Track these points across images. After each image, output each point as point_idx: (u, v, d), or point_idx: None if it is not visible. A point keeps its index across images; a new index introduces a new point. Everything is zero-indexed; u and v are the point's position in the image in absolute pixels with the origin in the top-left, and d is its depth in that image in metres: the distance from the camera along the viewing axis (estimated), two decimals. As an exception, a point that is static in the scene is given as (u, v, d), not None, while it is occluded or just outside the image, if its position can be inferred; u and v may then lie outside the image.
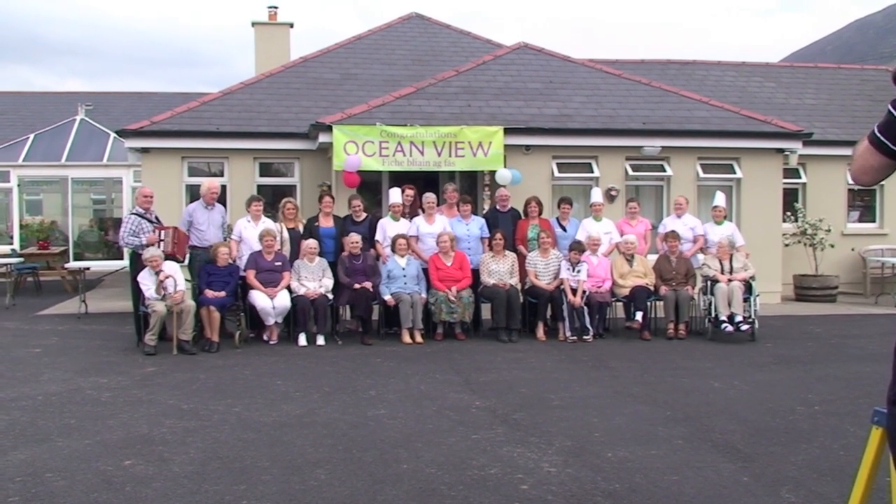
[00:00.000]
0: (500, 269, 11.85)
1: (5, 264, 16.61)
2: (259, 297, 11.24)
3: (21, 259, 17.65)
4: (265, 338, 11.46)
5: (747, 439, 6.63)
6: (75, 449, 6.35)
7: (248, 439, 6.59)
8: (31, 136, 22.10)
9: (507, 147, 14.40)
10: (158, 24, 76.47)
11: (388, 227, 12.13)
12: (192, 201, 13.06)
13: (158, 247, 11.04)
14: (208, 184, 12.05)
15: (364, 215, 12.32)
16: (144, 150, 15.36)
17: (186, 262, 11.77)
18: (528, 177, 14.47)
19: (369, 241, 12.03)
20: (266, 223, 11.98)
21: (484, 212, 13.63)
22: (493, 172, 14.32)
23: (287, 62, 19.15)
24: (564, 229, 12.62)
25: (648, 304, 12.00)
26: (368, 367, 9.70)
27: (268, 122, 15.76)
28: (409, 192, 12.67)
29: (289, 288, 11.47)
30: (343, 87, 17.50)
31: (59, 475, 5.69)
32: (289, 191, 15.53)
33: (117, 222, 18.19)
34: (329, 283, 11.63)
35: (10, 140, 22.69)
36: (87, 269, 15.30)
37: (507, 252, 12.02)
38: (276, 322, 11.38)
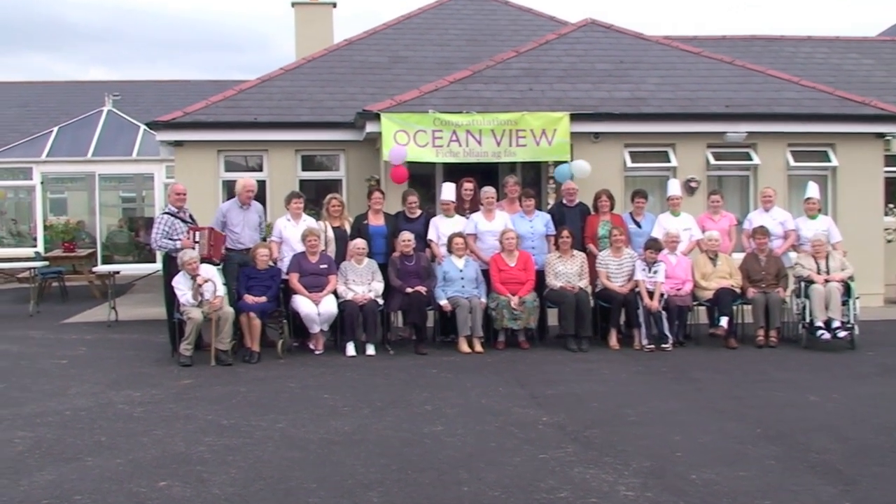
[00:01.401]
0: (567, 271, 11.79)
1: (29, 268, 16.83)
2: (303, 303, 11.28)
3: (45, 263, 17.95)
4: (310, 347, 11.50)
5: (849, 459, 6.51)
6: (106, 469, 6.41)
7: (293, 458, 6.62)
8: (55, 129, 22.64)
9: (573, 135, 14.31)
10: (190, 6, 77.40)
11: (440, 225, 12.14)
12: (229, 198, 13.21)
13: (193, 249, 11.12)
14: (244, 182, 12.11)
15: (419, 212, 12.37)
16: (177, 144, 15.50)
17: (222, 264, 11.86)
18: (598, 168, 14.34)
19: (423, 240, 12.05)
20: (309, 222, 12.04)
21: (549, 207, 13.56)
22: (558, 163, 14.24)
23: (330, 45, 19.20)
24: (639, 225, 12.52)
25: (734, 308, 11.85)
26: (423, 379, 9.70)
27: (310, 111, 15.81)
28: (468, 185, 12.66)
29: (335, 293, 11.50)
30: (392, 72, 17.54)
31: (88, 497, 5.75)
32: (333, 186, 15.56)
33: (148, 222, 18.37)
34: (379, 286, 11.63)
35: (31, 134, 23.17)
36: (117, 273, 15.51)
37: (575, 251, 11.95)
38: (321, 330, 11.41)
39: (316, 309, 11.26)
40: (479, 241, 12.12)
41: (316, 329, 11.35)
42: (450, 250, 11.77)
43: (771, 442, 7.01)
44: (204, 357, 10.76)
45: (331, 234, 12.02)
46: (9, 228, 23.16)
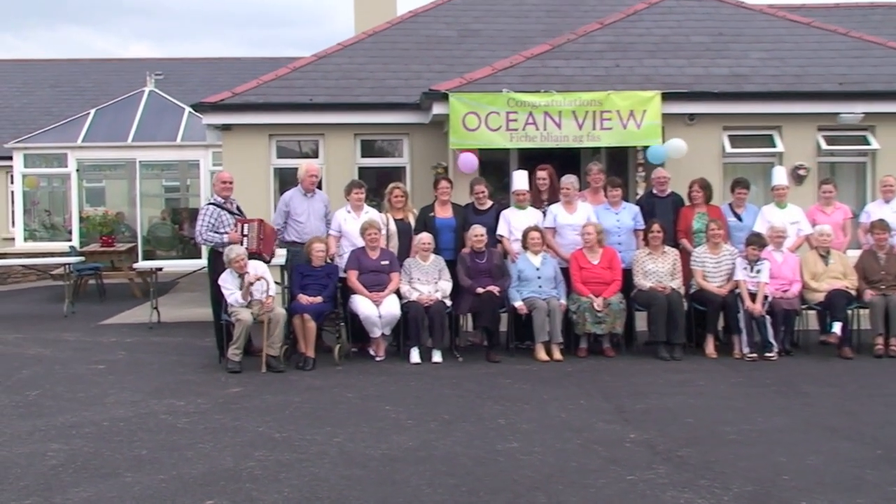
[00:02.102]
0: (658, 269, 11.71)
1: (63, 264, 17.01)
2: (362, 304, 11.34)
3: (81, 258, 18.14)
4: (370, 353, 11.58)
5: (985, 487, 6.35)
6: (147, 486, 6.49)
7: (352, 476, 6.67)
8: (92, 111, 23.01)
9: (665, 117, 14.20)
10: (239, -23, 78.30)
11: (512, 219, 12.14)
12: (281, 187, 13.38)
13: (241, 244, 11.22)
14: (306, 166, 12.22)
15: (489, 203, 12.36)
16: (225, 128, 15.63)
17: (283, 261, 12.06)
18: (693, 153, 14.24)
19: (494, 234, 12.06)
20: (370, 214, 12.08)
21: (637, 197, 13.50)
22: (647, 148, 14.16)
23: (393, 18, 19.23)
24: (740, 218, 12.38)
25: (849, 312, 11.65)
26: (496, 390, 9.69)
27: (371, 91, 15.85)
28: (542, 173, 12.61)
29: (398, 293, 11.55)
30: (462, 47, 17.57)
31: (129, 517, 5.82)
32: (396, 174, 15.62)
33: (193, 213, 18.62)
34: (447, 286, 11.68)
35: (66, 117, 23.61)
36: (159, 269, 15.60)
37: (667, 248, 11.86)
38: (383, 334, 11.45)
39: (377, 310, 11.29)
40: (558, 236, 12.09)
41: (377, 333, 11.38)
42: (525, 246, 11.74)
43: (893, 466, 6.90)
44: (254, 363, 10.82)
45: (393, 227, 12.07)
46: (41, 220, 23.63)
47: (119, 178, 23.66)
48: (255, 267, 11.03)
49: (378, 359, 11.42)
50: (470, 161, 13.75)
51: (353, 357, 11.54)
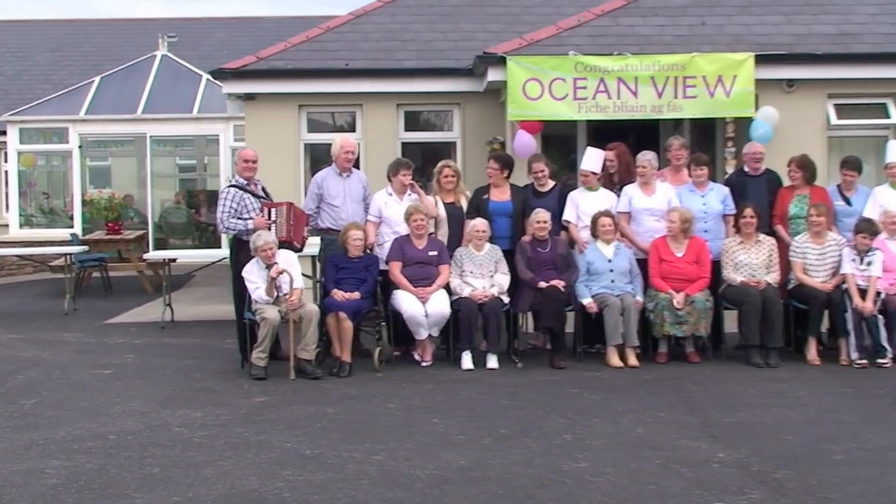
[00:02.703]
0: (751, 261, 11.63)
1: (64, 255, 17.08)
2: (406, 301, 11.34)
3: (84, 248, 18.26)
4: (415, 357, 11.63)
5: None
6: (161, 508, 6.53)
7: (394, 499, 6.68)
8: (96, 79, 23.22)
9: (759, 83, 14.06)
10: (264, -77, 78.18)
11: (580, 201, 12.09)
12: (313, 167, 13.46)
13: (269, 230, 11.23)
14: (341, 142, 12.22)
15: (551, 184, 12.33)
16: (248, 97, 15.67)
17: (316, 251, 12.12)
18: (792, 125, 14.14)
19: (559, 220, 12.04)
20: (415, 197, 12.07)
21: (726, 177, 13.41)
22: (739, 120, 14.06)
23: (442, -31, 19.27)
24: (848, 202, 12.25)
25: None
26: (561, 401, 9.70)
27: (416, 55, 15.85)
28: (610, 154, 12.48)
29: (448, 288, 11.55)
30: (521, 3, 17.50)
31: (138, 544, 5.86)
32: (445, 150, 15.61)
33: (212, 197, 18.90)
34: (504, 280, 11.65)
35: (67, 86, 23.79)
36: (173, 260, 15.70)
37: (761, 236, 11.77)
38: (430, 335, 11.49)
39: (423, 308, 11.29)
40: (634, 223, 12.04)
41: (423, 334, 11.41)
42: (595, 234, 11.71)
43: None
44: (282, 368, 10.85)
45: (443, 212, 12.05)
46: (39, 204, 23.93)
47: (127, 156, 23.92)
48: (284, 257, 11.04)
49: (424, 364, 11.47)
50: (527, 143, 13.66)
51: (395, 362, 11.55)
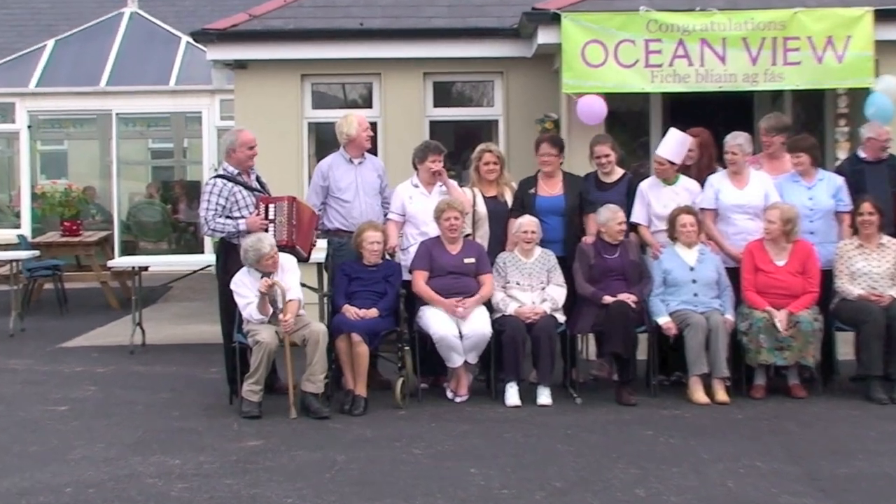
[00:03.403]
0: (872, 270, 11.40)
1: (8, 262, 16.97)
2: (437, 319, 11.13)
3: (34, 253, 17.85)
4: (447, 390, 11.43)
5: None
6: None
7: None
8: (49, 43, 23.04)
9: (879, 45, 13.93)
10: None
11: (653, 196, 11.88)
12: (318, 151, 13.61)
13: (267, 231, 11.05)
14: (354, 119, 11.98)
15: (619, 173, 12.13)
16: (239, 65, 15.64)
17: (322, 257, 12.14)
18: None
19: (628, 217, 11.80)
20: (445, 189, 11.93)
21: (837, 164, 13.21)
22: (854, 91, 13.94)
23: None
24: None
25: None
26: (631, 446, 9.60)
27: (448, 11, 15.81)
28: (689, 141, 12.15)
29: (489, 304, 11.36)
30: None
31: None
32: (485, 131, 15.69)
33: (193, 189, 19.15)
34: (559, 294, 11.45)
35: (14, 51, 23.55)
36: (145, 269, 15.59)
37: (884, 238, 11.57)
38: (465, 363, 11.27)
39: (457, 329, 11.09)
40: (721, 222, 11.83)
41: (457, 361, 11.19)
42: (673, 236, 11.52)
43: None
44: (280, 404, 10.71)
45: (482, 208, 11.92)
46: (-24, 199, 23.97)
47: (88, 139, 24.21)
48: (285, 263, 10.92)
49: (458, 399, 11.30)
50: (594, 107, 13.54)
51: (422, 396, 11.39)
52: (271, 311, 10.67)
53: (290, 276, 10.87)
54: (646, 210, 11.84)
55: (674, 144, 11.96)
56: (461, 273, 11.30)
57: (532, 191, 11.96)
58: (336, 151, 12.11)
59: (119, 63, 22.10)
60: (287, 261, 10.97)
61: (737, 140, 11.80)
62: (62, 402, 11.35)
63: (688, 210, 11.47)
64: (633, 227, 11.85)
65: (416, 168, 12.03)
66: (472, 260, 11.38)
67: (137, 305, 14.46)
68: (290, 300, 10.68)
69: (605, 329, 11.23)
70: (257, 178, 11.69)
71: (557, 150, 12.11)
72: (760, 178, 11.89)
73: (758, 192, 11.73)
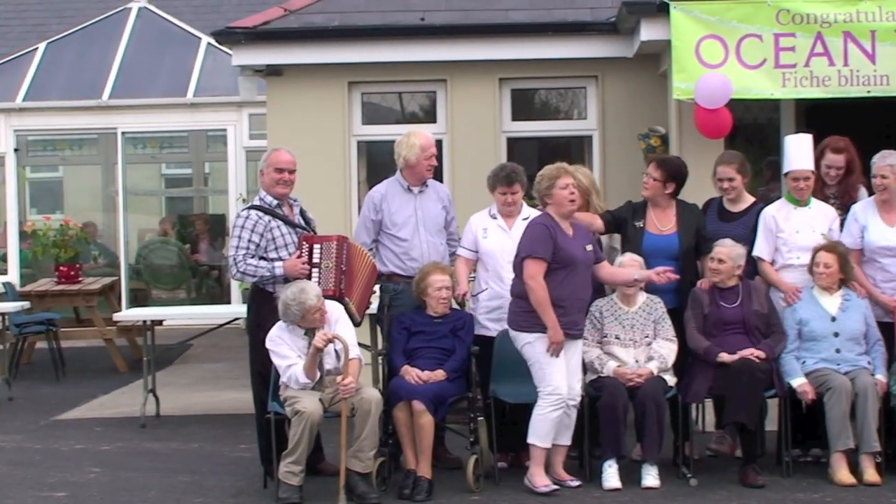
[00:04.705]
0: None
1: (-6, 316, 16.24)
2: (559, 375, 10.05)
3: (24, 304, 16.90)
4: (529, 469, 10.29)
5: None
6: None
7: None
8: (41, 46, 22.13)
9: None
10: None
11: (784, 225, 10.60)
12: (370, 176, 13.38)
13: (310, 278, 10.05)
14: (417, 141, 10.84)
15: (749, 200, 10.90)
16: (272, 72, 14.77)
17: (374, 307, 11.16)
18: None
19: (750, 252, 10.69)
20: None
21: None
22: None
23: None
24: None
25: None
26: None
27: (529, 3, 14.96)
28: (835, 158, 10.96)
29: (583, 362, 10.28)
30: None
31: None
32: (575, 149, 15.12)
33: (216, 224, 18.46)
34: (669, 350, 10.32)
35: (1, 56, 22.83)
36: (159, 323, 14.70)
37: None
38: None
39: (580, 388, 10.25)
40: (868, 266, 10.66)
41: (567, 439, 10.24)
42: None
43: None
44: (326, 488, 9.76)
45: None
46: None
47: (88, 164, 23.58)
48: (335, 316, 9.93)
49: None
50: (719, 87, 12.36)
51: (500, 477, 10.25)
52: (319, 374, 9.68)
53: (343, 328, 9.87)
54: (770, 243, 10.65)
55: (806, 150, 10.82)
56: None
57: (640, 224, 10.81)
58: (391, 177, 11.06)
59: (125, 70, 21.19)
60: (334, 309, 9.96)
61: (887, 160, 10.56)
62: (59, 486, 10.40)
63: (831, 247, 10.28)
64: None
65: (494, 194, 10.94)
66: (591, 247, 10.22)
67: (150, 368, 13.50)
68: (353, 358, 9.78)
69: (726, 394, 10.13)
70: (301, 212, 10.66)
71: (662, 173, 10.86)
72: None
73: (916, 226, 10.82)
